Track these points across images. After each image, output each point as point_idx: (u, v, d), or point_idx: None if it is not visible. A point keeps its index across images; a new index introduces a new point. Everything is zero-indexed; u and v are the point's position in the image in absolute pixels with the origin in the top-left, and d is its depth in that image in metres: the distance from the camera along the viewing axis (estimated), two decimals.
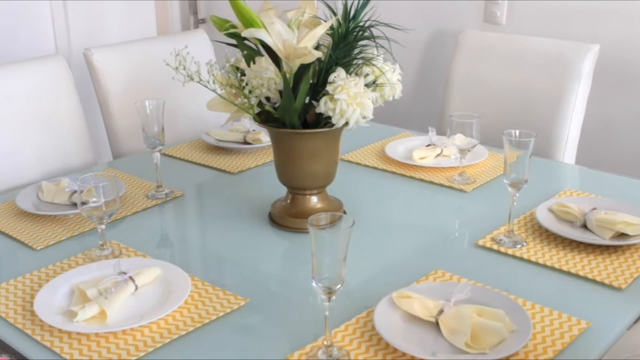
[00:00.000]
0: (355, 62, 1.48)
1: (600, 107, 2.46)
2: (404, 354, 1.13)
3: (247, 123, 2.17)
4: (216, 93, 1.52)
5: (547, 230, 1.52)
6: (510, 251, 1.46)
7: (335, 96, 1.40)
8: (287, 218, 1.58)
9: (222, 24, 1.52)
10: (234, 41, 1.53)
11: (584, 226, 1.51)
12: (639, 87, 2.42)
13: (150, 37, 3.14)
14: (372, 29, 1.45)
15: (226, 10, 1.45)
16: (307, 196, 1.58)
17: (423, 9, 2.84)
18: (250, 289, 1.34)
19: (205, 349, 1.18)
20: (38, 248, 1.52)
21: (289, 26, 1.45)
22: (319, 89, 1.45)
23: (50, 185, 1.75)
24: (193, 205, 1.77)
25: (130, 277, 1.31)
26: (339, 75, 1.43)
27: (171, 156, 2.06)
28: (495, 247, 1.48)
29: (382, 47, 1.47)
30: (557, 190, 1.74)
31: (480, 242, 1.49)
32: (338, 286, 1.10)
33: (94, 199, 1.43)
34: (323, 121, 1.46)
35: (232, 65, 1.49)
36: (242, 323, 1.25)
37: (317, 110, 1.44)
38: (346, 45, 1.44)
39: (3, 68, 2.03)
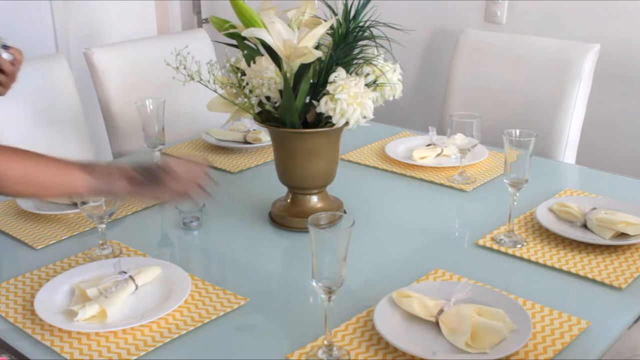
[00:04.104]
0: (355, 61, 1.48)
1: (601, 107, 2.46)
2: (404, 354, 1.13)
3: (248, 123, 2.17)
4: (217, 93, 1.52)
5: (547, 230, 1.52)
6: (510, 251, 1.46)
7: (336, 96, 1.40)
8: (287, 217, 1.58)
9: (221, 25, 1.52)
10: (234, 41, 1.53)
11: (584, 226, 1.51)
12: (639, 87, 2.42)
13: (150, 36, 3.14)
14: (372, 29, 1.45)
15: (229, 10, 1.45)
16: (308, 196, 1.58)
17: (423, 9, 2.84)
18: (251, 288, 1.34)
19: (205, 348, 1.18)
20: (38, 247, 1.52)
21: (289, 26, 1.45)
22: (319, 88, 1.45)
23: None
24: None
25: (131, 277, 1.31)
26: (339, 75, 1.43)
27: (172, 156, 2.05)
28: (495, 246, 1.48)
29: (383, 47, 1.47)
30: (557, 190, 1.74)
31: (481, 242, 1.49)
32: (338, 286, 1.10)
33: (95, 198, 1.43)
34: (323, 121, 1.46)
35: (232, 65, 1.49)
36: (242, 322, 1.25)
37: (318, 110, 1.44)
38: (346, 45, 1.44)
39: None
